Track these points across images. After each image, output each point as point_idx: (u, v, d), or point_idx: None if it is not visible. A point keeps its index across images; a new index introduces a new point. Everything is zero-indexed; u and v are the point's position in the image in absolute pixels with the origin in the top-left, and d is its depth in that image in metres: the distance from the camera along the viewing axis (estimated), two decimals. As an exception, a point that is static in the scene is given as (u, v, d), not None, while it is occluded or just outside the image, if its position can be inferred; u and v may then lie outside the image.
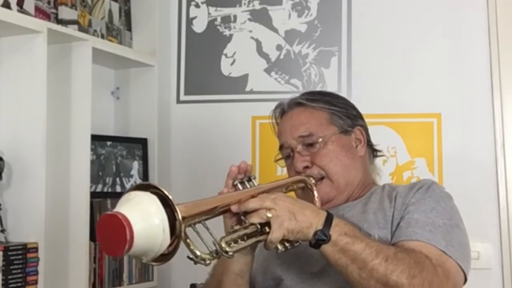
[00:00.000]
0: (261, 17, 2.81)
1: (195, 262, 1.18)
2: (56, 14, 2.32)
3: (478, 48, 2.57)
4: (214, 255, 1.21)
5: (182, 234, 1.13)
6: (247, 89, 2.80)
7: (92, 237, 2.35)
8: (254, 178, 1.42)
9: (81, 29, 2.41)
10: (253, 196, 1.32)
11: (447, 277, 1.31)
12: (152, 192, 1.13)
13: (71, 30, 2.34)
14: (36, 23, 2.15)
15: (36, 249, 2.04)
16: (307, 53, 2.75)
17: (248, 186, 1.39)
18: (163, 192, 1.12)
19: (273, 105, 2.77)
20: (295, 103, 1.64)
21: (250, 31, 2.82)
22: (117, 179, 2.61)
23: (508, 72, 2.53)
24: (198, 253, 1.17)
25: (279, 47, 2.78)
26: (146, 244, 1.09)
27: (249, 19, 2.82)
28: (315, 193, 1.51)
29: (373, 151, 1.69)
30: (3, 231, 2.06)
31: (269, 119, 1.70)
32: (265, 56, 2.80)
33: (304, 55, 2.76)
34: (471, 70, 2.58)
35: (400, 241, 1.38)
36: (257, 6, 2.82)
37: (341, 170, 1.56)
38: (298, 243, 1.34)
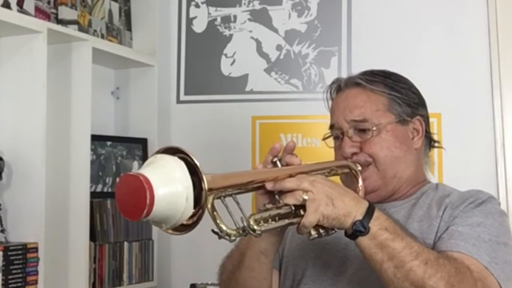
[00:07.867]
0: (261, 17, 2.81)
1: (220, 237, 1.12)
2: (56, 14, 2.32)
3: (478, 48, 2.57)
4: (241, 232, 1.15)
5: (208, 205, 1.07)
6: (247, 89, 2.80)
7: (92, 237, 2.35)
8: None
9: (81, 29, 2.41)
10: (290, 176, 1.25)
11: None
12: (180, 158, 1.05)
13: (71, 30, 2.34)
14: (36, 23, 2.15)
15: (36, 249, 2.04)
16: (307, 53, 2.75)
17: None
18: (191, 158, 1.04)
19: (273, 105, 2.81)
20: (353, 83, 1.52)
21: (250, 31, 2.82)
22: (117, 179, 2.61)
23: (508, 72, 2.53)
24: (224, 227, 1.11)
25: (279, 47, 2.78)
26: (166, 211, 1.03)
27: (249, 19, 2.82)
28: (360, 181, 1.42)
29: (430, 141, 1.56)
30: (3, 231, 2.06)
31: (325, 95, 1.57)
32: (265, 56, 2.79)
33: (304, 55, 2.75)
34: (471, 70, 2.58)
35: (440, 251, 1.30)
36: (257, 6, 2.82)
37: (391, 161, 1.45)
38: (333, 231, 1.26)
